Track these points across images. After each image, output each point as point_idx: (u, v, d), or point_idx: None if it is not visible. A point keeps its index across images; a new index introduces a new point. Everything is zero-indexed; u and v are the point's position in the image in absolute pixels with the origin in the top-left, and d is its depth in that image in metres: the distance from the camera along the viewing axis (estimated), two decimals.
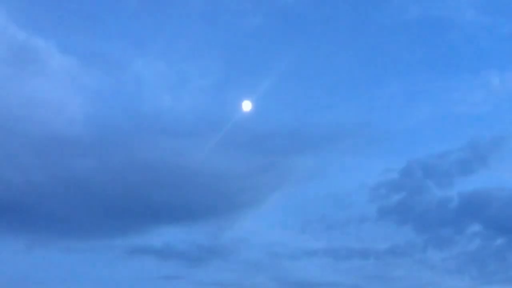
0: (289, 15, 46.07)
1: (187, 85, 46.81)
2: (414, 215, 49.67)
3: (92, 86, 43.71)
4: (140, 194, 45.51)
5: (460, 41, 48.06)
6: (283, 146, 46.96)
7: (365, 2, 46.83)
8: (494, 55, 47.80)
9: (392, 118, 48.29)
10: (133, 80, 44.88)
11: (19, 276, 39.79)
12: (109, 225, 45.34)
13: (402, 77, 48.12)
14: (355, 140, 47.82)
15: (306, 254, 56.66)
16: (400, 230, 51.88)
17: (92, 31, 43.67)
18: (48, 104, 41.71)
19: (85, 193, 42.75)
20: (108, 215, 45.19)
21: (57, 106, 42.06)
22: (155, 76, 45.25)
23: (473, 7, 46.49)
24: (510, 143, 45.13)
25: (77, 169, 41.70)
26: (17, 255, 40.53)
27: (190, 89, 46.81)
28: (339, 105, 47.89)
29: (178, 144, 44.73)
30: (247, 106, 37.99)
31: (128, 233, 46.02)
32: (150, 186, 45.02)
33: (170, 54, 45.90)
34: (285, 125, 46.30)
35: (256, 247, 56.99)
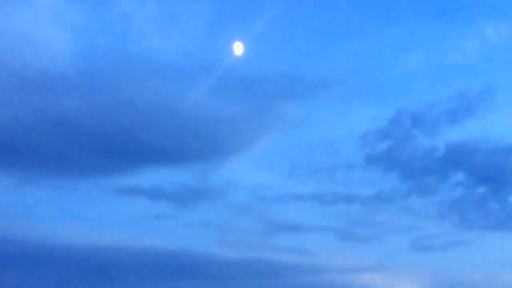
0: None
1: (178, 26, 45.97)
2: (400, 163, 50.80)
3: (79, 22, 42.74)
4: (129, 135, 45.70)
5: None
6: (273, 91, 47.00)
7: None
8: (490, 5, 47.28)
9: (383, 66, 48.29)
10: (121, 18, 43.91)
11: (9, 212, 40.50)
12: (98, 165, 45.80)
13: (395, 25, 47.67)
14: (345, 88, 47.96)
15: (292, 198, 58.19)
16: (385, 177, 53.28)
17: None
18: (33, 41, 40.95)
19: (74, 132, 42.82)
20: (97, 154, 45.54)
21: (42, 43, 41.29)
22: (144, 15, 44.30)
23: None
24: (499, 94, 45.55)
25: (65, 108, 41.54)
26: (7, 191, 41.09)
27: (180, 30, 46.03)
28: (331, 52, 47.66)
29: (168, 86, 44.53)
30: (238, 49, 37.60)
31: (117, 173, 46.62)
32: (139, 127, 45.17)
33: None
34: (276, 70, 46.13)
35: (244, 190, 58.28)
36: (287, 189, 50.20)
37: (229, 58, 40.50)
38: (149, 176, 47.88)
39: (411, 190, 49.37)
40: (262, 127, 49.01)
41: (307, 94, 47.99)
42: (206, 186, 47.45)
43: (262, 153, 50.31)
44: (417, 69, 48.30)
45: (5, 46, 39.53)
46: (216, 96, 45.11)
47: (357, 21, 47.57)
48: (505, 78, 46.62)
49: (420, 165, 49.33)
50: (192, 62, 44.56)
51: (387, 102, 47.17)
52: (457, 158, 49.17)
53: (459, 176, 49.65)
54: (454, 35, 47.71)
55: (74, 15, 42.43)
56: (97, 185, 45.30)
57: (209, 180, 47.95)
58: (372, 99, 47.83)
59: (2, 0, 39.03)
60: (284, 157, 49.68)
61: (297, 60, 47.60)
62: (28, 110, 41.13)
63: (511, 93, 46.61)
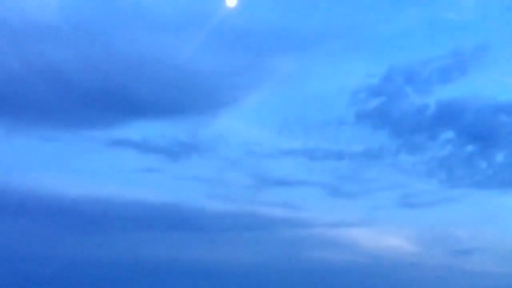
0: None
1: None
2: (390, 120, 51.14)
3: None
4: (119, 87, 45.39)
5: None
6: (265, 45, 46.53)
7: None
8: None
9: (377, 22, 47.69)
10: None
11: None
12: (88, 117, 45.65)
13: None
14: (338, 43, 47.57)
15: (282, 153, 58.83)
16: (375, 134, 53.73)
17: None
18: None
19: (63, 83, 42.44)
20: (87, 106, 45.31)
21: None
22: None
23: None
24: (492, 52, 45.42)
25: (54, 59, 41.01)
26: None
27: None
28: (325, 6, 46.88)
29: (159, 38, 43.93)
30: (231, 1, 36.94)
31: (107, 126, 46.55)
32: (129, 80, 44.84)
33: None
34: (269, 24, 45.49)
35: (234, 145, 58.69)
36: (277, 145, 50.59)
37: (222, 10, 39.83)
38: (139, 129, 47.92)
39: (400, 147, 50.00)
40: (253, 81, 48.80)
41: (300, 48, 47.58)
42: (197, 140, 47.63)
43: (253, 108, 50.34)
44: (412, 25, 47.81)
45: None
46: (208, 49, 44.61)
47: None
48: (499, 36, 46.39)
49: (411, 123, 49.75)
50: (184, 14, 43.77)
51: (380, 59, 46.95)
52: (447, 116, 49.56)
53: (449, 134, 50.18)
54: None
55: None
56: (86, 137, 45.26)
57: (199, 134, 48.09)
58: (365, 55, 47.54)
59: None
60: (275, 112, 49.75)
61: (290, 14, 46.87)
62: (15, 60, 40.57)
63: (505, 51, 46.52)
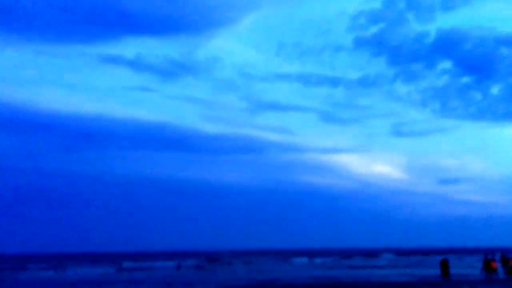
0: None
1: None
2: (389, 47, 51.89)
3: None
4: (113, 2, 45.23)
5: None
6: None
7: None
8: None
9: None
10: None
11: None
12: (81, 32, 46.11)
13: None
14: None
15: (278, 77, 59.82)
16: (372, 61, 54.53)
17: None
18: None
19: None
20: (80, 21, 45.48)
21: None
22: None
23: None
24: None
25: None
26: None
27: None
28: None
29: None
30: None
31: (100, 41, 47.16)
32: None
33: None
34: None
35: (229, 66, 59.42)
36: (273, 68, 51.35)
37: None
38: (133, 46, 48.42)
39: (397, 75, 51.07)
40: (251, 2, 48.69)
41: None
42: (191, 61, 48.37)
43: (250, 29, 50.53)
44: None
45: None
46: None
47: None
48: None
49: (409, 51, 50.33)
50: None
51: None
52: (446, 45, 50.12)
53: (446, 64, 51.25)
54: None
55: None
56: (79, 52, 46.12)
57: (194, 54, 49.01)
58: None
59: None
60: (272, 35, 50.12)
61: None
62: None
63: None
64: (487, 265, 30.73)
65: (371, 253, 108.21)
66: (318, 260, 76.06)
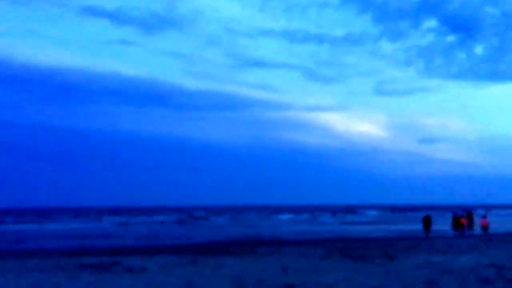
0: None
1: None
2: (374, 5, 50.88)
3: None
4: None
5: None
6: None
7: None
8: None
9: None
10: None
11: None
12: None
13: None
14: None
15: (262, 33, 58.52)
16: (358, 19, 53.39)
17: None
18: None
19: None
20: None
21: None
22: None
23: None
24: None
25: None
26: None
27: None
28: None
29: None
30: None
31: None
32: None
33: None
34: None
35: (213, 21, 57.76)
36: (257, 24, 50.05)
37: None
38: None
39: (382, 33, 50.25)
40: None
41: None
42: (174, 14, 46.78)
43: None
44: None
45: None
46: None
47: None
48: None
49: (395, 9, 49.45)
50: None
51: None
52: (432, 3, 49.21)
53: (432, 22, 50.38)
54: None
55: None
56: (58, 3, 43.92)
57: (177, 8, 47.23)
58: None
59: None
60: None
61: None
62: None
63: None
64: (456, 223, 31.56)
65: (353, 210, 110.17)
66: (303, 216, 77.12)
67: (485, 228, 32.59)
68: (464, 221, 31.81)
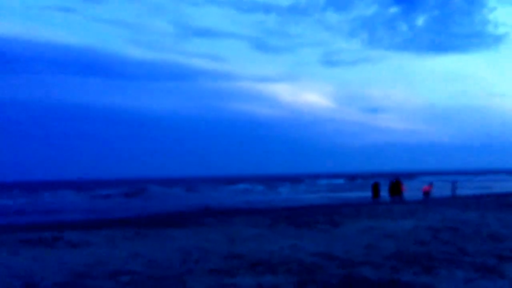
0: None
1: None
2: None
3: None
4: None
5: None
6: None
7: None
8: None
9: None
10: None
11: None
12: None
13: None
14: None
15: (209, 1, 57.20)
16: None
17: None
18: None
19: None
20: None
21: None
22: None
23: None
24: None
25: None
26: None
27: None
28: None
29: None
30: None
31: None
32: None
33: None
34: None
35: None
36: None
37: None
38: None
39: (328, 4, 50.41)
40: None
41: None
42: None
43: None
44: None
45: None
46: None
47: None
48: None
49: None
50: None
51: None
52: None
53: None
54: None
55: None
56: None
57: None
58: None
59: None
60: None
61: None
62: None
63: None
64: (393, 189, 32.71)
65: (302, 179, 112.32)
66: (254, 186, 77.91)
67: (426, 194, 34.13)
68: (402, 187, 33.00)
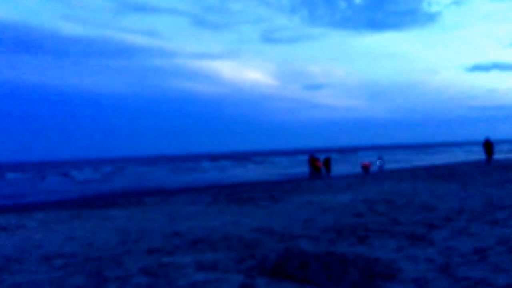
0: None
1: None
2: None
3: None
4: None
5: None
6: None
7: None
8: None
9: None
10: None
11: None
12: None
13: None
14: None
15: None
16: None
17: None
18: None
19: None
20: None
21: None
22: None
23: None
24: None
25: None
26: None
27: None
28: None
29: None
30: None
31: None
32: None
33: None
34: None
35: None
36: None
37: None
38: None
39: None
40: None
41: None
42: None
43: None
44: None
45: None
46: None
47: None
48: None
49: None
50: None
51: None
52: None
53: None
54: None
55: None
56: None
57: None
58: None
59: None
60: None
61: None
62: None
63: None
64: (313, 165, 33.85)
65: (241, 156, 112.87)
66: (188, 164, 77.46)
67: (366, 169, 35.30)
68: (319, 164, 33.94)
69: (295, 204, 15.13)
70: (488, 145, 34.34)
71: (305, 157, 49.57)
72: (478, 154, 53.51)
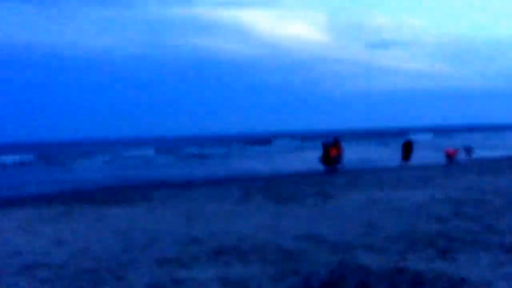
0: None
1: None
2: None
3: None
4: None
5: None
6: None
7: None
8: None
9: None
10: None
11: None
12: None
13: None
14: None
15: None
16: None
17: None
18: None
19: None
20: None
21: None
22: None
23: None
24: None
25: None
26: None
27: None
28: None
29: None
30: None
31: None
32: None
33: None
34: None
35: None
36: None
37: None
38: None
39: None
40: None
41: None
42: None
43: None
44: None
45: None
46: None
47: None
48: None
49: None
50: None
51: None
52: None
53: None
54: None
55: None
56: None
57: None
58: None
59: None
60: None
61: None
62: None
63: None
64: (326, 155, 30.50)
65: (282, 138, 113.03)
66: (220, 151, 77.94)
67: (450, 157, 34.69)
68: (334, 151, 30.88)
69: (353, 203, 15.07)
70: None
71: (367, 140, 49.21)
72: None
